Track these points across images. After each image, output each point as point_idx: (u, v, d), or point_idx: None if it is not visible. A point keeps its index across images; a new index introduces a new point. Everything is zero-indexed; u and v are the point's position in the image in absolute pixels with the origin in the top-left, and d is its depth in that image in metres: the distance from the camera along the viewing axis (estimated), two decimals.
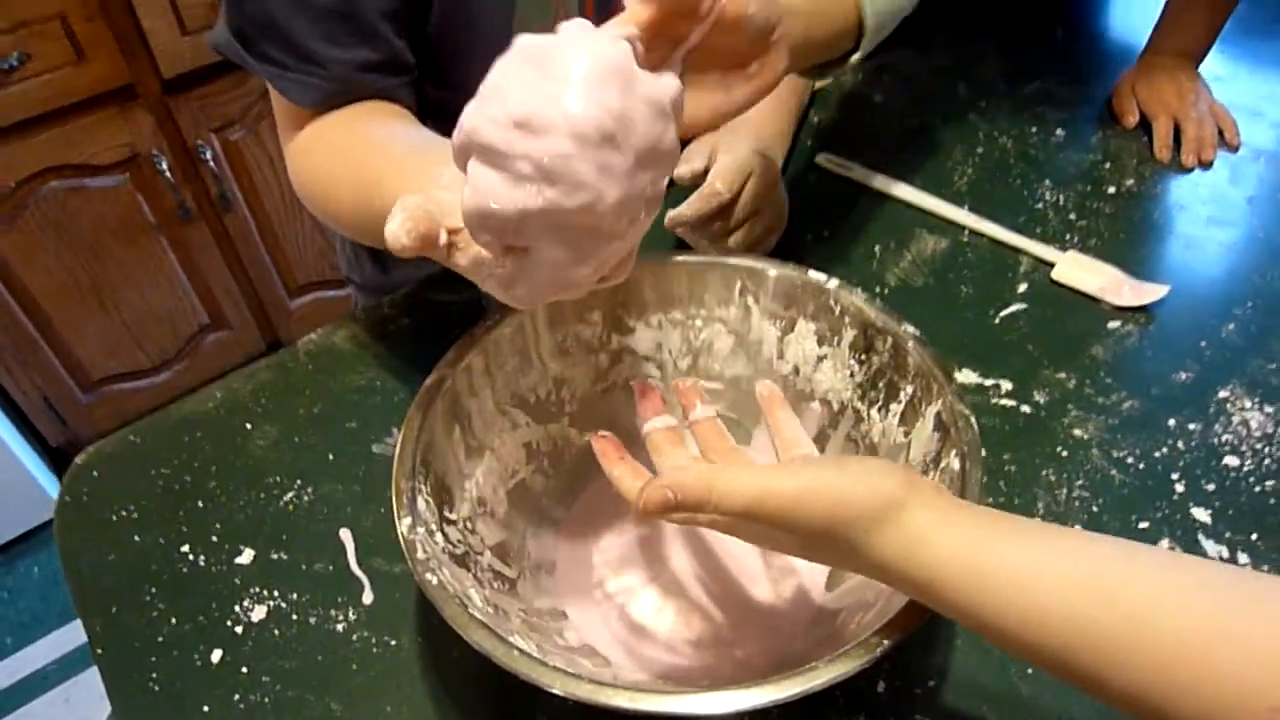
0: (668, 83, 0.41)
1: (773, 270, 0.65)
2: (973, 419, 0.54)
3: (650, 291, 0.66)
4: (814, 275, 0.63)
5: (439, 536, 0.53)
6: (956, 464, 0.53)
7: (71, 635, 1.73)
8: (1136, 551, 0.41)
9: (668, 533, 0.64)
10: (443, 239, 0.44)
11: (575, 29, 0.40)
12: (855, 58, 0.67)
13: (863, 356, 0.62)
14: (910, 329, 0.59)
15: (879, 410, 0.61)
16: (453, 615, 0.48)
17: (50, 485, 1.86)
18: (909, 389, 0.59)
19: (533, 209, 0.39)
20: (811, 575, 0.61)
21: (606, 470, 0.54)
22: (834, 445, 0.64)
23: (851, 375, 0.63)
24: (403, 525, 0.52)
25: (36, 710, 1.63)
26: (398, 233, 0.42)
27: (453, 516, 0.56)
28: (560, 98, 0.37)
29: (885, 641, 0.46)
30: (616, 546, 0.64)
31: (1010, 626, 0.41)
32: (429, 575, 0.49)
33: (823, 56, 0.64)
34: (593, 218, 0.40)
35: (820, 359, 0.64)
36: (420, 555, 0.50)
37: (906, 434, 0.59)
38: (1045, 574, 0.40)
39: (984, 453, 0.68)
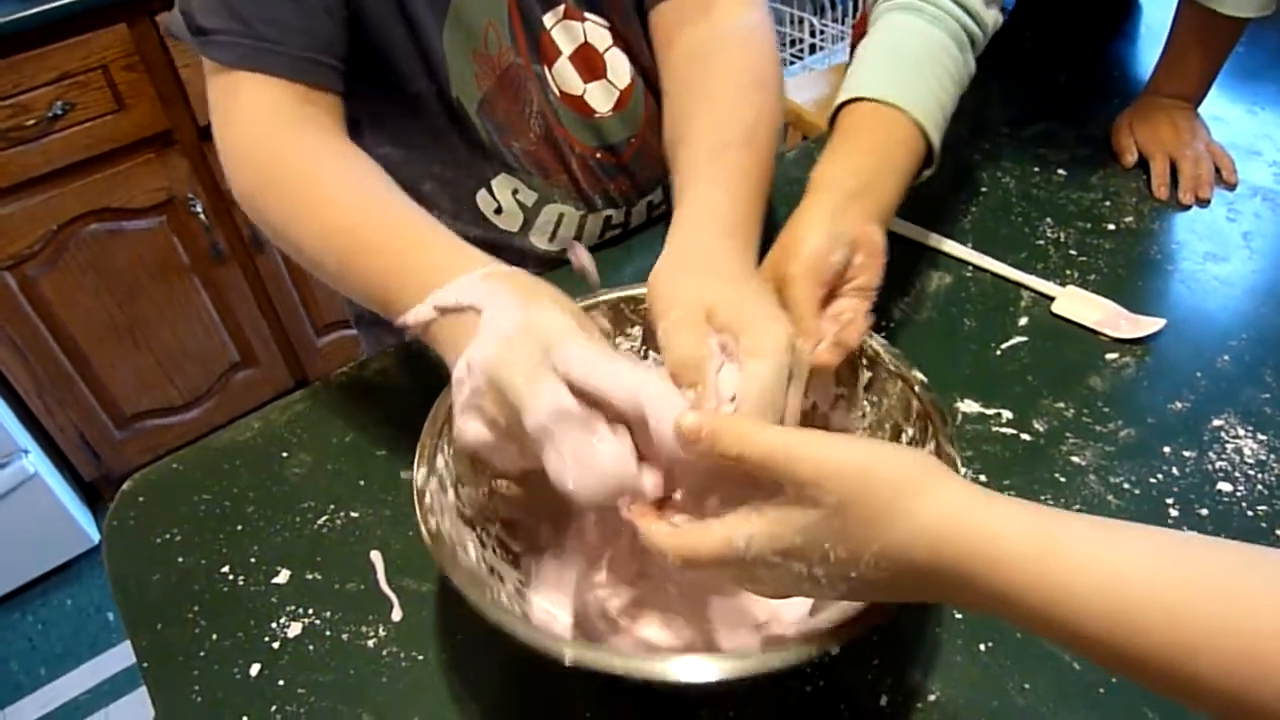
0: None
1: None
2: (958, 461, 0.56)
3: None
4: None
5: (451, 495, 0.58)
6: None
7: (103, 666, 1.77)
8: (1203, 537, 0.41)
9: None
10: None
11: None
12: (925, 174, 0.75)
13: (875, 399, 0.65)
14: (919, 375, 0.62)
15: None
16: (442, 557, 0.52)
17: (85, 520, 1.91)
18: (910, 431, 0.61)
19: None
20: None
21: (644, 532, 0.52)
22: None
23: (863, 416, 0.66)
24: (418, 476, 0.57)
25: None
26: None
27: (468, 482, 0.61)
28: None
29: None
30: (621, 546, 0.66)
31: (1083, 604, 0.39)
32: (430, 520, 0.54)
33: None
34: None
35: (839, 398, 0.67)
36: (427, 503, 0.55)
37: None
38: (1131, 548, 0.39)
39: (984, 478, 0.72)
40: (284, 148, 0.69)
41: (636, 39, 0.86)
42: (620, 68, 0.86)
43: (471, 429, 0.54)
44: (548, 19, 0.82)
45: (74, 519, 1.85)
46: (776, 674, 0.47)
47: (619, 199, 0.92)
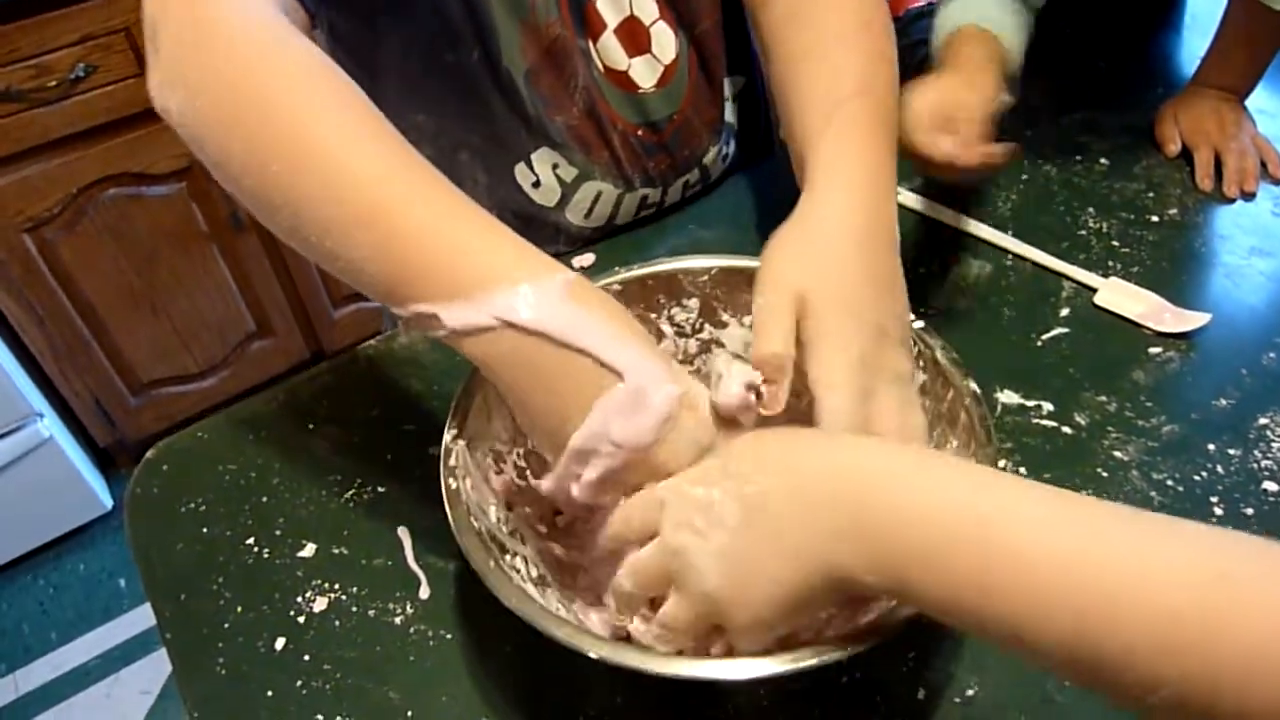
0: None
1: None
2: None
3: (750, 295, 0.68)
4: None
5: (479, 454, 0.57)
6: None
7: (114, 632, 1.77)
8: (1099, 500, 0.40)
9: None
10: None
11: None
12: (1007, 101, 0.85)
13: (926, 403, 0.62)
14: (972, 385, 0.60)
15: None
16: (457, 518, 0.52)
17: (98, 485, 1.91)
18: (954, 443, 0.59)
19: None
20: None
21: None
22: None
23: None
24: (448, 435, 0.56)
25: (78, 704, 1.67)
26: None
27: (500, 448, 0.61)
28: None
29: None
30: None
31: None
32: (450, 480, 0.53)
33: None
34: None
35: None
36: (451, 462, 0.54)
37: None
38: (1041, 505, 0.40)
39: (1024, 471, 0.70)
40: (270, 60, 0.53)
41: (689, 6, 0.84)
42: (665, 42, 0.84)
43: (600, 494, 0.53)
44: None
45: (88, 484, 1.85)
46: (805, 673, 0.46)
47: (656, 178, 0.91)
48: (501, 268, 0.50)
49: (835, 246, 0.58)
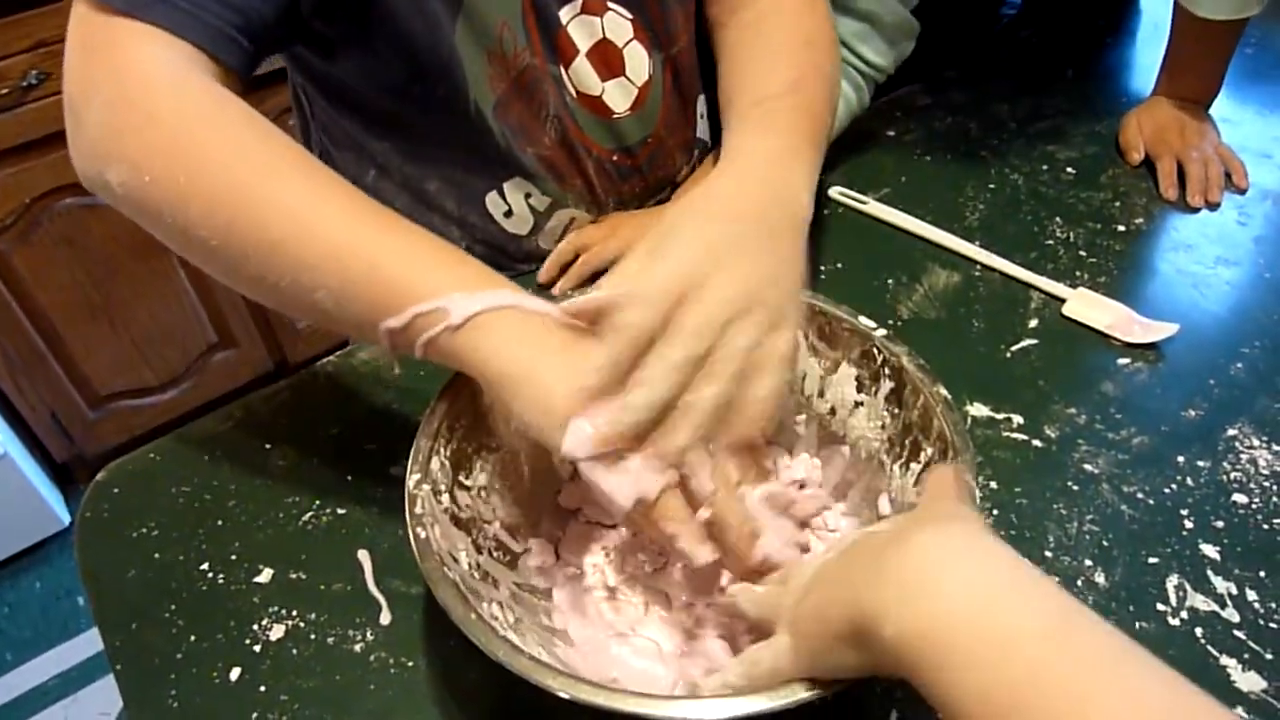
0: None
1: (824, 308, 0.64)
2: (977, 493, 0.53)
3: None
4: (863, 321, 0.63)
5: (445, 498, 0.56)
6: None
7: (72, 652, 1.72)
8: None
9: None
10: None
11: None
12: None
13: (895, 410, 0.62)
14: (942, 391, 0.59)
15: (900, 466, 0.61)
16: (429, 570, 0.50)
17: (55, 501, 1.86)
18: (929, 450, 0.58)
19: None
20: None
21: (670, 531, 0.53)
22: (854, 496, 0.65)
23: (882, 427, 0.63)
24: (410, 481, 0.54)
25: None
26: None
27: (467, 482, 0.59)
28: None
29: None
30: (616, 540, 0.64)
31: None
32: (419, 530, 0.52)
33: None
34: None
35: (857, 404, 0.64)
36: (418, 510, 0.53)
37: (919, 494, 0.58)
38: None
39: (995, 485, 0.69)
40: (215, 126, 0.55)
41: (665, 26, 0.82)
42: (639, 63, 0.82)
43: None
44: (564, 13, 0.77)
45: (45, 500, 1.80)
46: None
47: (630, 201, 0.89)
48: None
49: (737, 200, 0.59)
